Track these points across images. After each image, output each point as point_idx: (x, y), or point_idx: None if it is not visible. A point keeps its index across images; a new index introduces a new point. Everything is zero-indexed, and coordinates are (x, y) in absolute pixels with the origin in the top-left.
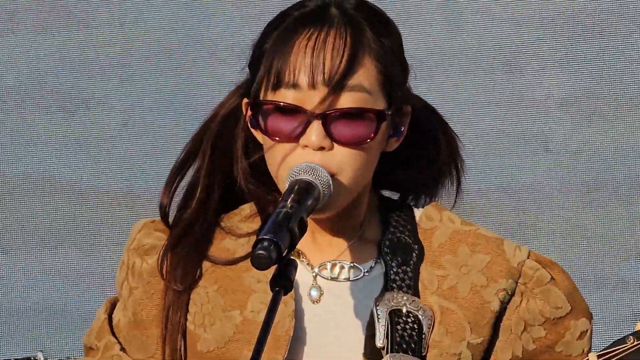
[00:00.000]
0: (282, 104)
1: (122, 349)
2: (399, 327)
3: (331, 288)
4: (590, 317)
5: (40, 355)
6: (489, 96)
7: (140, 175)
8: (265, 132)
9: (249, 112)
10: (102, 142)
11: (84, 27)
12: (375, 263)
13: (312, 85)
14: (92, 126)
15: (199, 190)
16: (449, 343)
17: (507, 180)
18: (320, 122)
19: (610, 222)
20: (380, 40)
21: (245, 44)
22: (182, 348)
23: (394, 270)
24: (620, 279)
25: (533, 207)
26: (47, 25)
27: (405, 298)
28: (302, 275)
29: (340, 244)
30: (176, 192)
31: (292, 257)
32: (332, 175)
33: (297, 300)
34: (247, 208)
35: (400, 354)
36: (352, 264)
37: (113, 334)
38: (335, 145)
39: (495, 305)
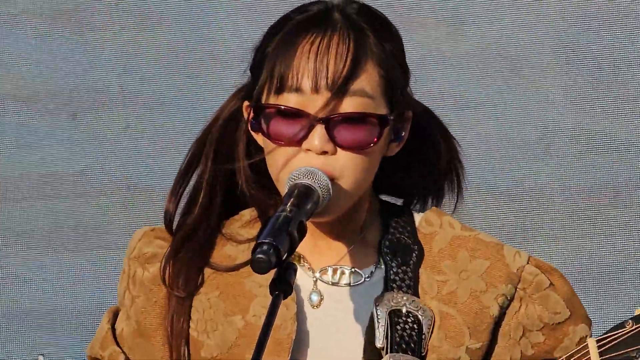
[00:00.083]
0: (285, 107)
1: (127, 359)
2: (398, 327)
3: (332, 293)
4: (589, 323)
5: (41, 358)
6: (490, 100)
7: (144, 178)
8: (267, 135)
9: (251, 116)
10: (106, 144)
11: (88, 30)
12: (376, 268)
13: (315, 90)
14: (96, 129)
15: (201, 196)
16: (447, 348)
17: (509, 184)
18: (323, 126)
19: (612, 227)
20: (383, 45)
21: (248, 47)
22: (186, 355)
23: (394, 270)
24: (621, 284)
25: (535, 211)
26: (50, 28)
27: (405, 298)
28: (303, 280)
29: (341, 248)
30: (182, 198)
31: (291, 261)
32: (334, 180)
33: (299, 304)
34: (247, 214)
35: (400, 354)
36: (353, 269)
37: (117, 343)
38: (338, 149)
39: (495, 311)
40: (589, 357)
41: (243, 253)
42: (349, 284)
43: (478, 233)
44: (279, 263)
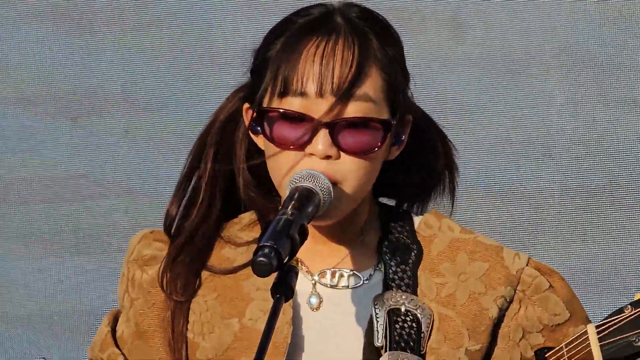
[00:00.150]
0: (289, 111)
1: None
2: (397, 325)
3: (331, 296)
4: (589, 324)
5: None
6: (491, 103)
7: (145, 182)
8: (270, 139)
9: (251, 118)
10: (106, 148)
11: (89, 34)
12: (375, 270)
13: (320, 94)
14: (97, 132)
15: (200, 198)
16: (447, 350)
17: (509, 186)
18: (327, 130)
19: (611, 228)
20: (386, 50)
21: (248, 49)
22: (185, 358)
23: (393, 269)
24: (621, 285)
25: (535, 213)
26: (51, 32)
27: (404, 297)
28: (301, 283)
29: (340, 251)
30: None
31: (292, 264)
32: (336, 184)
33: (296, 308)
34: (247, 217)
35: (399, 351)
36: (351, 272)
37: (117, 346)
38: (342, 154)
39: (494, 312)
40: (589, 343)
41: (242, 255)
42: (347, 287)
43: (477, 235)
44: (280, 266)
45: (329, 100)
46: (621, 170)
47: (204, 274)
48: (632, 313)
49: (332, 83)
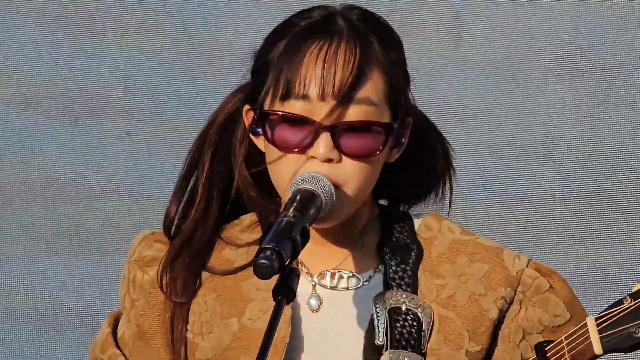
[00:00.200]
0: (291, 114)
1: None
2: (398, 324)
3: (330, 297)
4: None
5: None
6: (492, 105)
7: (146, 184)
8: (272, 142)
9: (252, 120)
10: (107, 150)
11: (90, 36)
12: (375, 272)
13: (322, 97)
14: (98, 134)
15: (198, 200)
16: (447, 351)
17: (510, 189)
18: (329, 134)
19: (612, 230)
20: (387, 53)
21: (249, 52)
22: (184, 359)
23: (393, 269)
24: (621, 286)
25: (536, 216)
26: (53, 34)
27: (404, 296)
28: (301, 284)
29: (340, 253)
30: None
31: (294, 267)
32: (338, 187)
33: (295, 309)
34: (248, 218)
35: (400, 350)
36: (351, 273)
37: (117, 347)
38: (343, 157)
39: (494, 314)
40: (589, 336)
41: (242, 256)
42: (347, 288)
43: (477, 237)
44: (281, 268)
45: (330, 103)
46: (623, 173)
47: (204, 274)
48: (631, 304)
49: (334, 86)
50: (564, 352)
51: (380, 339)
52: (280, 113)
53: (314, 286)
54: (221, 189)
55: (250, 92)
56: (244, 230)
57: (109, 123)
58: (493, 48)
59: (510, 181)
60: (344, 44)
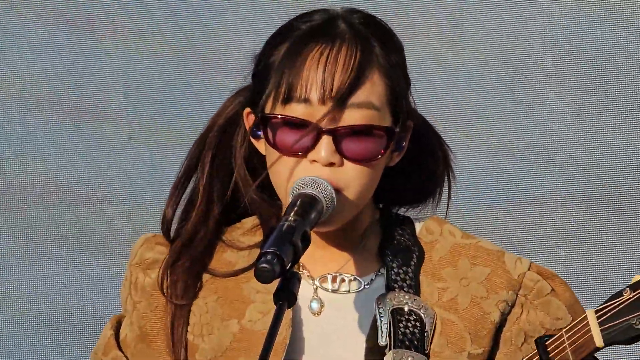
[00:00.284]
0: (292, 118)
1: None
2: (401, 325)
3: (332, 300)
4: None
5: None
6: (494, 110)
7: (148, 188)
8: (273, 145)
9: (252, 123)
10: (108, 155)
11: (91, 40)
12: (376, 275)
13: (323, 101)
14: (100, 139)
15: (198, 202)
16: (449, 353)
17: (511, 193)
18: (330, 137)
19: (615, 236)
20: (388, 56)
21: (250, 56)
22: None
23: (395, 270)
24: (619, 286)
25: (537, 220)
26: (54, 39)
27: (407, 297)
28: (303, 288)
29: (342, 257)
30: (180, 204)
31: (295, 271)
32: (339, 191)
33: (296, 311)
34: (249, 222)
35: (404, 350)
36: (353, 277)
37: (120, 349)
38: (345, 161)
39: (496, 316)
40: (590, 329)
41: (243, 259)
42: (348, 291)
43: (479, 240)
44: (282, 272)
45: (331, 107)
46: (626, 178)
47: (205, 276)
48: (631, 296)
49: (335, 90)
50: (565, 346)
51: (383, 339)
52: (281, 116)
53: (316, 289)
54: (221, 192)
55: (251, 96)
56: (246, 233)
57: (111, 127)
58: (493, 52)
59: (509, 183)
60: (345, 47)
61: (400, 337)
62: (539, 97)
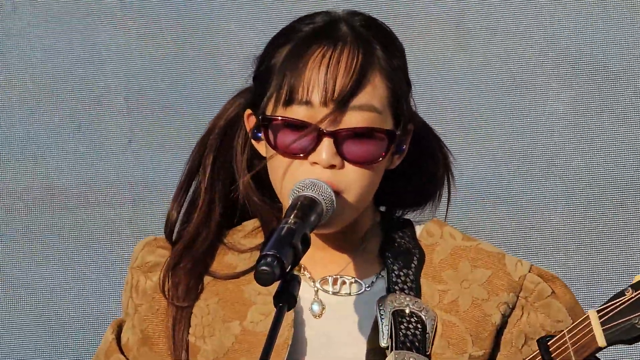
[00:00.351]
0: (294, 120)
1: None
2: (402, 326)
3: (333, 303)
4: None
5: None
6: (493, 112)
7: (149, 191)
8: (274, 147)
9: (253, 125)
10: (110, 157)
11: (93, 43)
12: (377, 278)
13: (324, 103)
14: (101, 141)
15: (200, 205)
16: (450, 355)
17: (512, 196)
18: (331, 140)
19: (615, 237)
20: (390, 59)
21: (251, 57)
22: None
23: (396, 273)
24: (619, 287)
25: (539, 222)
26: (55, 41)
27: (407, 299)
28: (304, 290)
29: (342, 259)
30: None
31: (295, 273)
32: (339, 193)
33: (298, 312)
34: (250, 224)
35: (405, 351)
36: (353, 279)
37: (122, 353)
38: (346, 163)
39: (497, 318)
40: (592, 329)
41: (244, 261)
42: (349, 294)
43: (479, 243)
44: (282, 275)
45: (333, 109)
46: (626, 179)
47: (207, 278)
48: (633, 295)
49: (337, 92)
50: (567, 346)
51: (385, 340)
52: (282, 118)
53: (317, 292)
54: (223, 194)
55: (252, 97)
56: (247, 235)
57: (112, 130)
58: (493, 54)
59: (509, 185)
60: (347, 50)
61: (402, 338)
62: (539, 99)
